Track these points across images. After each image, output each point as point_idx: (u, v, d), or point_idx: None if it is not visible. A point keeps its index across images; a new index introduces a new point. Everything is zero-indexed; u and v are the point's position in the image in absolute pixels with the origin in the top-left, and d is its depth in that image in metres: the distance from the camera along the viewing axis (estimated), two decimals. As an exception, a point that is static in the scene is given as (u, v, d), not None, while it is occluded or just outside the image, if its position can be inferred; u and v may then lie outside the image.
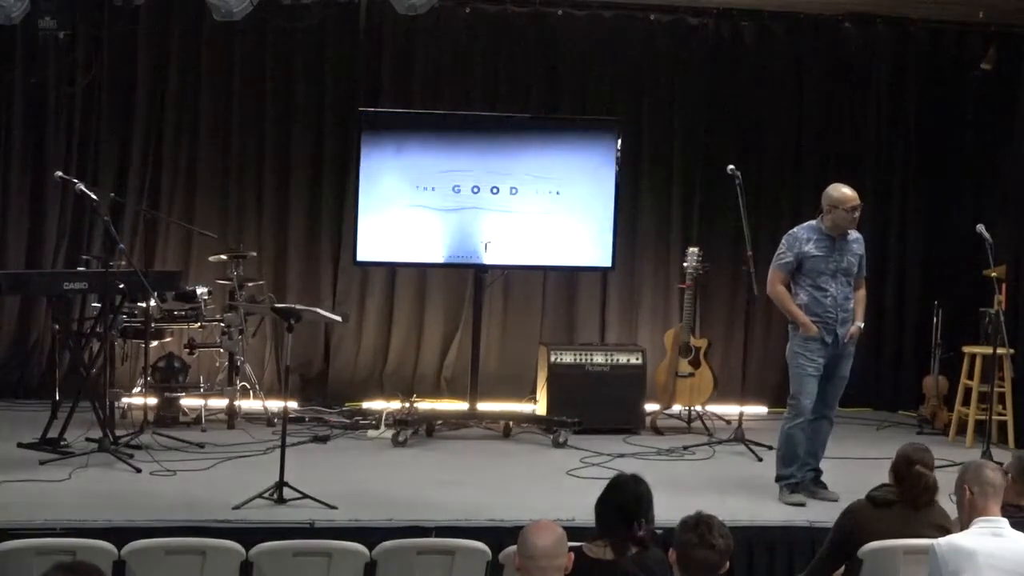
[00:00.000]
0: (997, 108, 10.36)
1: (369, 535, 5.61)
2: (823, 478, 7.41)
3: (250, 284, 9.15)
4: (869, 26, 10.47)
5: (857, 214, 7.31)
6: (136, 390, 8.71)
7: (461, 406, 9.36)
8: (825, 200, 7.31)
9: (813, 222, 7.37)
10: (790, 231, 7.45)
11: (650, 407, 9.46)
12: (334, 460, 8.08)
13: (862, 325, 7.41)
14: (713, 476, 7.94)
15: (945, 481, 5.27)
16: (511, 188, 9.06)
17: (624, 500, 4.59)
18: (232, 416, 8.90)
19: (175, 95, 9.83)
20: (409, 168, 8.98)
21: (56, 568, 3.57)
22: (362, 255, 9.09)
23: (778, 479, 7.33)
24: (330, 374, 10.04)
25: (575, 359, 9.32)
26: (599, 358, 9.35)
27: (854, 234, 7.41)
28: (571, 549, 4.30)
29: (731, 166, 8.63)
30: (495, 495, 7.18)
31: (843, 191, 7.28)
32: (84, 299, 8.97)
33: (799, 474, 7.30)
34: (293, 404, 9.34)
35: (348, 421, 9.16)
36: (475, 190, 9.02)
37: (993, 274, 8.67)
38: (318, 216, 10.04)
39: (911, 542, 5.10)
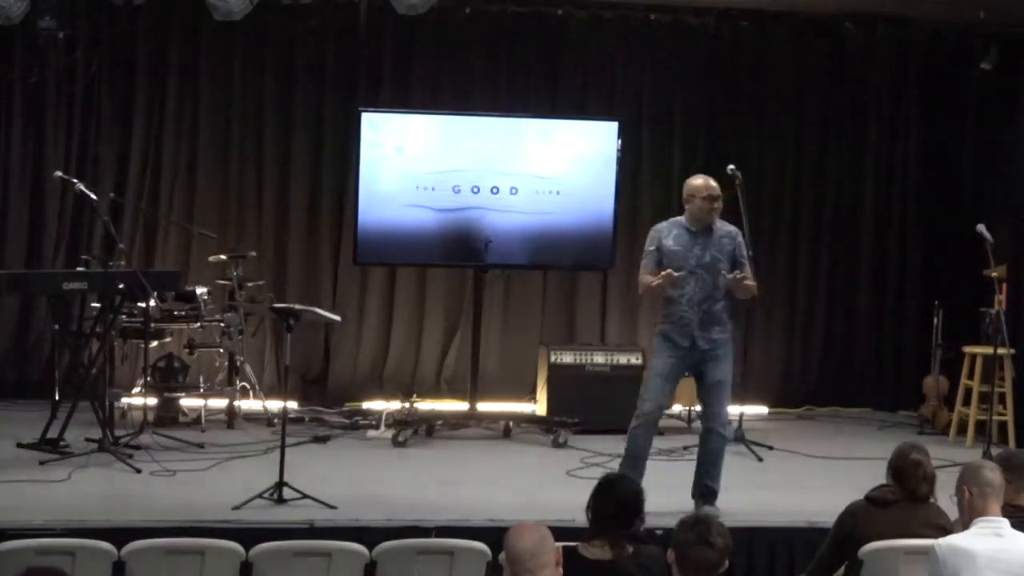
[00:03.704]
0: (997, 108, 10.35)
1: (369, 535, 5.61)
2: (718, 502, 6.81)
3: (250, 284, 9.15)
4: (869, 26, 10.46)
5: (716, 204, 6.84)
6: (136, 390, 8.71)
7: (461, 406, 9.35)
8: (684, 191, 6.91)
9: (681, 216, 6.94)
10: (656, 225, 7.09)
11: (650, 407, 9.45)
12: (334, 460, 8.08)
13: (739, 276, 6.79)
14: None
15: (946, 481, 5.26)
16: (511, 188, 9.05)
17: (623, 497, 4.58)
18: (232, 416, 8.90)
19: (175, 95, 9.83)
20: (409, 168, 8.98)
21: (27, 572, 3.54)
22: (362, 255, 9.09)
23: None
24: (330, 374, 10.04)
25: (575, 359, 9.32)
26: (599, 358, 9.35)
27: (725, 228, 6.96)
28: (565, 549, 4.27)
29: (731, 166, 8.59)
30: (495, 495, 7.17)
31: (697, 181, 6.88)
32: (84, 299, 8.94)
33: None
34: (293, 404, 9.34)
35: (348, 421, 9.16)
36: (475, 190, 9.02)
37: (993, 274, 8.66)
38: (318, 216, 10.03)
39: (911, 542, 5.10)
